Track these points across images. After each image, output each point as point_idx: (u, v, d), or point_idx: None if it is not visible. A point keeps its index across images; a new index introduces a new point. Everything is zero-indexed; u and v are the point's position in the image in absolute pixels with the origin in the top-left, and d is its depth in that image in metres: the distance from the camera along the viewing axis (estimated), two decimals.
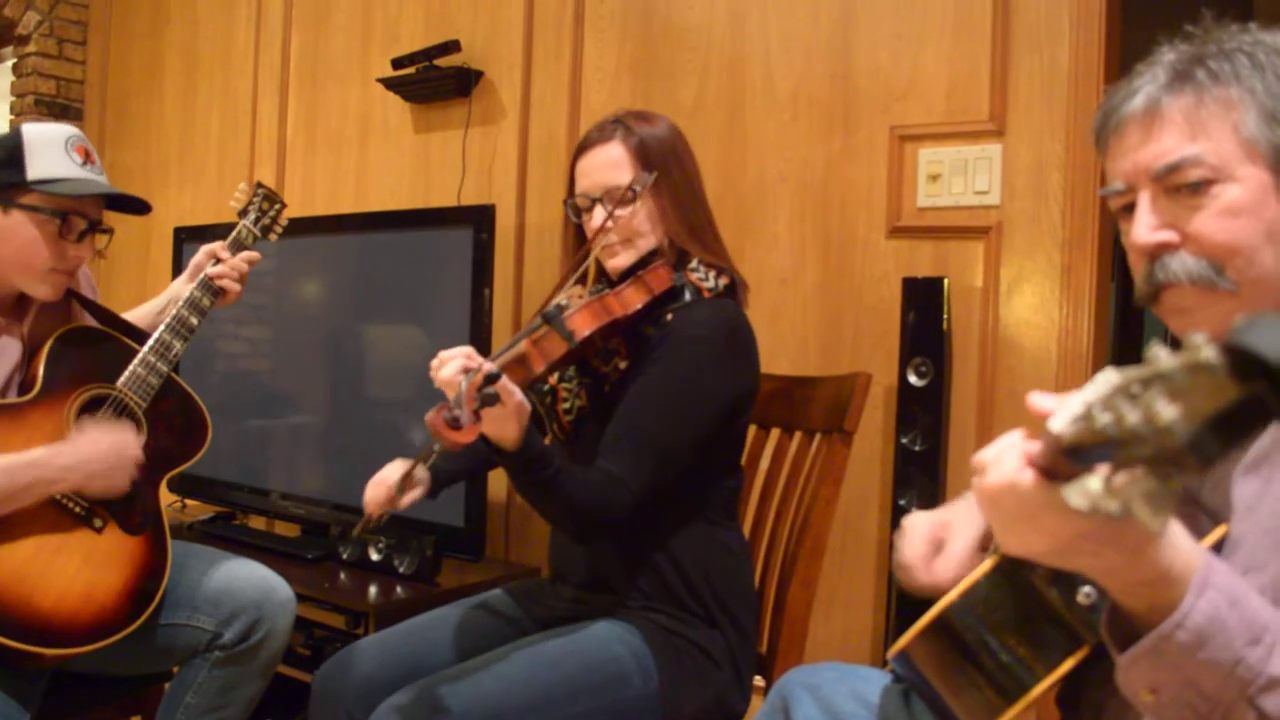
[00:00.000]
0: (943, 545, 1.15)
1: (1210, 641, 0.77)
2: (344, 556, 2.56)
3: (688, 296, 1.63)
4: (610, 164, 1.65)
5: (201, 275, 1.88)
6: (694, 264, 1.66)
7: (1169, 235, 0.98)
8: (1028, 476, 0.71)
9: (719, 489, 1.67)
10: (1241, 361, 0.50)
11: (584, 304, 1.53)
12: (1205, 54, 0.98)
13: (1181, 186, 0.97)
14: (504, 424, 1.39)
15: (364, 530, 1.61)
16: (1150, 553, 0.76)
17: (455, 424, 1.27)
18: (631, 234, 1.64)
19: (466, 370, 1.35)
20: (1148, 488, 0.55)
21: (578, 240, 1.76)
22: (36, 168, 1.67)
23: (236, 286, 1.91)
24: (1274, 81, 0.95)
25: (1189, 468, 0.54)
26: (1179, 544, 0.77)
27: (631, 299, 1.57)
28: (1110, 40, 2.11)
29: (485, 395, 1.29)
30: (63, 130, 1.73)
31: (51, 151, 1.69)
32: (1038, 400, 0.72)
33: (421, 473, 1.58)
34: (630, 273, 1.63)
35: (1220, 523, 0.92)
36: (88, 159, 1.73)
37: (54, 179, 1.67)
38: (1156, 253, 0.99)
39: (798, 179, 2.46)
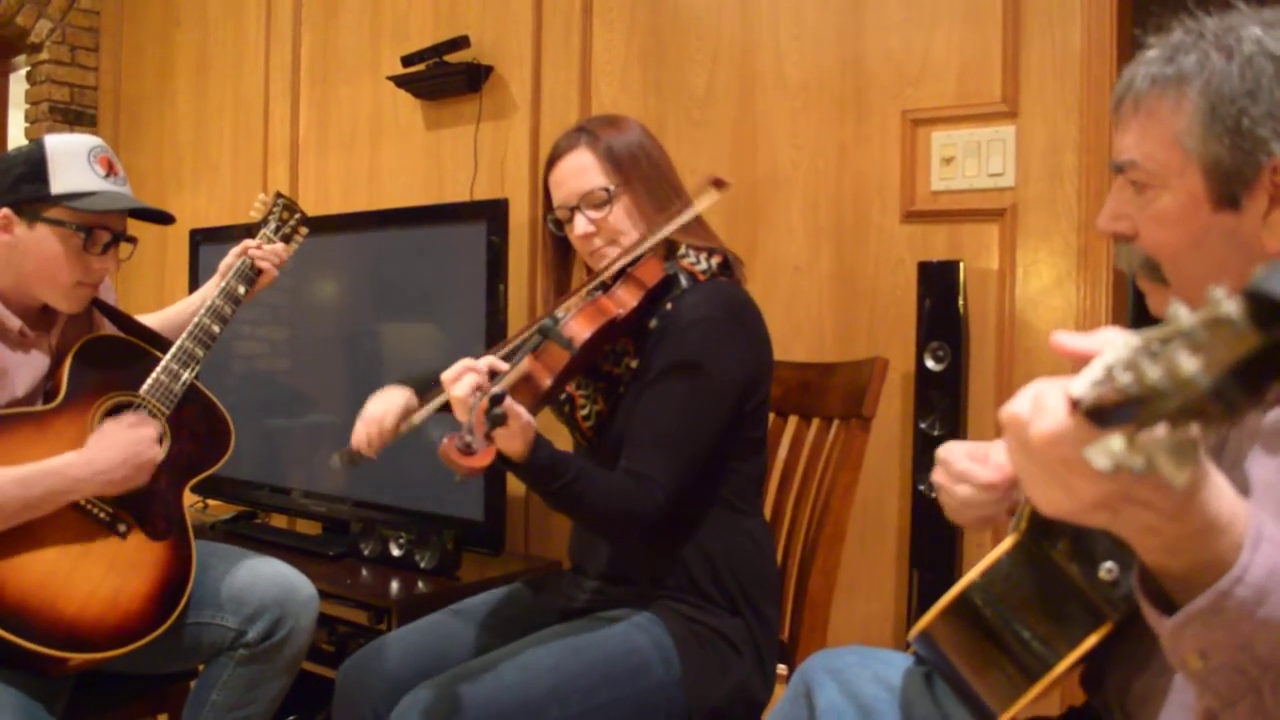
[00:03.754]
0: (983, 460, 1.14)
1: (1270, 597, 0.73)
2: (365, 553, 2.57)
3: (684, 283, 1.64)
4: (580, 170, 1.66)
5: (224, 283, 1.89)
6: (683, 250, 1.67)
7: (1123, 226, 1.03)
8: (1077, 420, 0.65)
9: (742, 474, 1.67)
10: (1262, 308, 0.50)
11: (578, 310, 1.54)
12: (1183, 46, 0.97)
13: (1134, 182, 1.01)
14: (511, 442, 1.41)
15: (348, 462, 1.59)
16: (1198, 500, 0.71)
17: (468, 450, 1.28)
18: (614, 234, 1.65)
19: (478, 390, 1.37)
20: (1171, 442, 0.55)
21: (558, 253, 1.77)
22: (61, 181, 1.67)
23: (275, 272, 1.95)
24: (1236, 83, 0.92)
25: (1213, 417, 0.53)
26: (1222, 491, 0.73)
27: (625, 297, 1.58)
28: (1122, 19, 2.09)
29: (494, 416, 1.31)
30: (85, 141, 1.73)
31: (75, 164, 1.69)
32: (1063, 339, 0.68)
33: (418, 419, 1.55)
34: (622, 273, 1.64)
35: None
36: (111, 170, 1.73)
37: (78, 193, 1.68)
38: (1117, 238, 1.05)
39: (810, 166, 2.45)
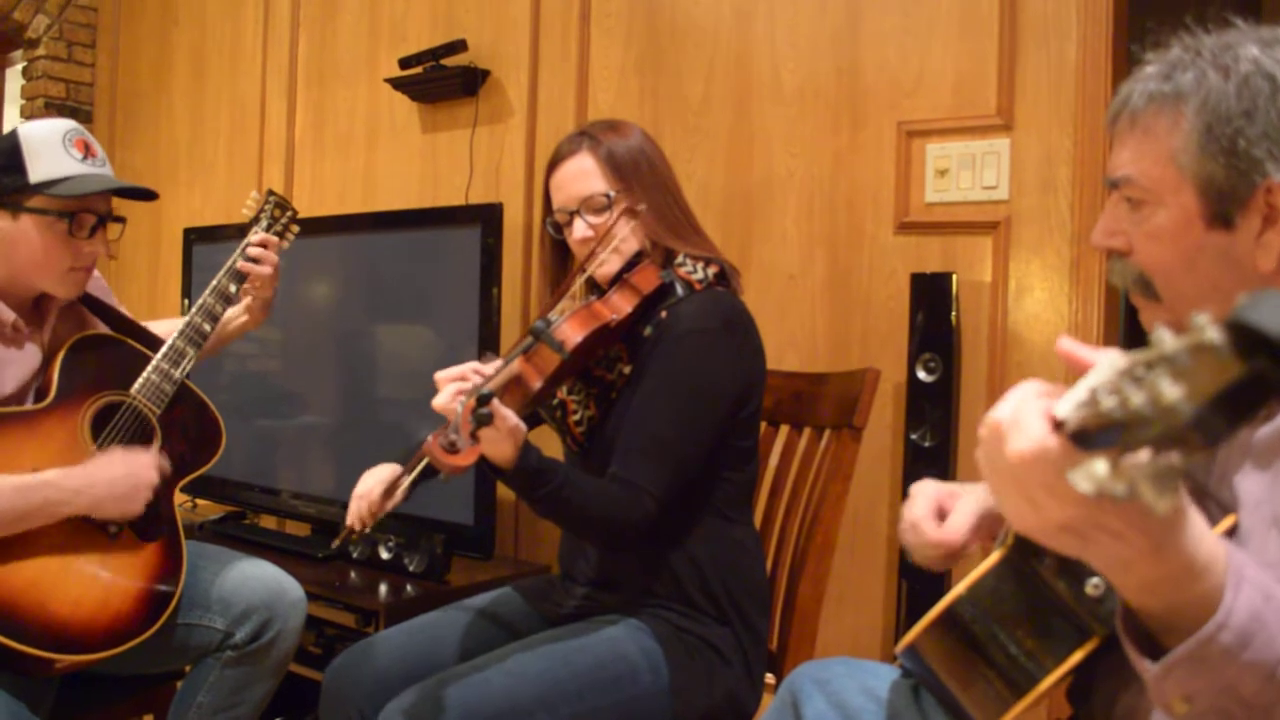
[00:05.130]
0: (945, 514, 1.15)
1: (1253, 641, 0.73)
2: (354, 555, 2.56)
3: (679, 292, 1.64)
4: (581, 174, 1.66)
5: (216, 282, 1.88)
6: (680, 259, 1.67)
7: (1117, 242, 1.03)
8: (1054, 441, 0.65)
9: (734, 482, 1.68)
10: (1244, 338, 0.50)
11: (571, 314, 1.53)
12: (1180, 63, 0.97)
13: (1128, 198, 1.01)
14: (499, 445, 1.40)
15: (344, 543, 1.61)
16: (1175, 541, 0.71)
17: (452, 449, 1.28)
18: (612, 239, 1.65)
19: (461, 394, 1.37)
20: (1154, 469, 0.55)
21: (555, 256, 1.77)
22: (38, 170, 1.65)
23: (268, 270, 1.92)
24: (1232, 103, 0.92)
25: (1194, 447, 0.53)
26: (1202, 533, 0.73)
27: (620, 303, 1.58)
28: (1118, 33, 2.10)
29: (480, 416, 1.30)
30: (59, 126, 1.71)
31: (50, 150, 1.67)
32: (1068, 345, 0.67)
33: (401, 489, 1.52)
34: (618, 278, 1.64)
35: (1229, 513, 0.91)
36: (88, 152, 1.71)
37: (57, 179, 1.66)
38: (1110, 254, 1.05)
39: (805, 175, 2.45)
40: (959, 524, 1.14)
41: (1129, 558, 0.71)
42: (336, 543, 1.62)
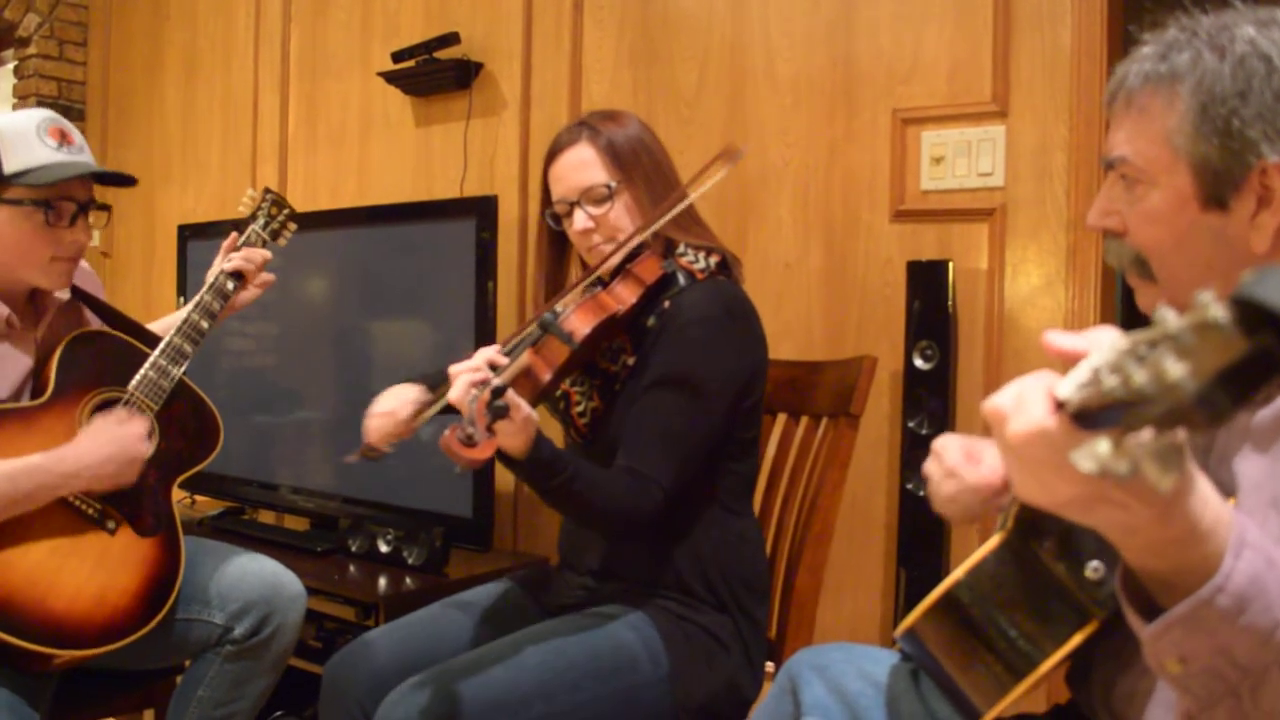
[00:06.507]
0: (977, 460, 1.14)
1: (1251, 605, 0.73)
2: (353, 549, 2.56)
3: (681, 281, 1.64)
4: (581, 165, 1.65)
5: (213, 280, 1.88)
6: (681, 248, 1.66)
7: (1112, 222, 1.03)
8: (1054, 422, 0.66)
9: (736, 474, 1.68)
10: (1249, 314, 0.50)
11: (578, 305, 1.53)
12: (1176, 44, 0.96)
13: (1124, 178, 1.01)
14: (514, 438, 1.41)
15: (362, 458, 1.59)
16: (1181, 507, 0.71)
17: (470, 442, 1.28)
18: (613, 230, 1.64)
19: (476, 385, 1.37)
20: (1157, 447, 0.55)
21: (553, 248, 1.77)
22: (13, 160, 1.63)
23: (251, 266, 1.91)
24: (1227, 84, 0.92)
25: (1198, 423, 0.53)
26: (1207, 498, 0.73)
27: (625, 294, 1.58)
28: (1113, 18, 2.10)
29: (496, 409, 1.30)
30: (34, 116, 1.68)
31: (25, 140, 1.65)
32: (1054, 338, 0.68)
33: (430, 413, 1.53)
34: (621, 269, 1.64)
35: (1229, 496, 0.91)
36: (64, 140, 1.68)
37: (31, 168, 1.63)
38: (1106, 234, 1.05)
39: (800, 164, 2.45)
40: (991, 468, 1.13)
41: (1134, 525, 0.72)
42: (353, 457, 1.59)
